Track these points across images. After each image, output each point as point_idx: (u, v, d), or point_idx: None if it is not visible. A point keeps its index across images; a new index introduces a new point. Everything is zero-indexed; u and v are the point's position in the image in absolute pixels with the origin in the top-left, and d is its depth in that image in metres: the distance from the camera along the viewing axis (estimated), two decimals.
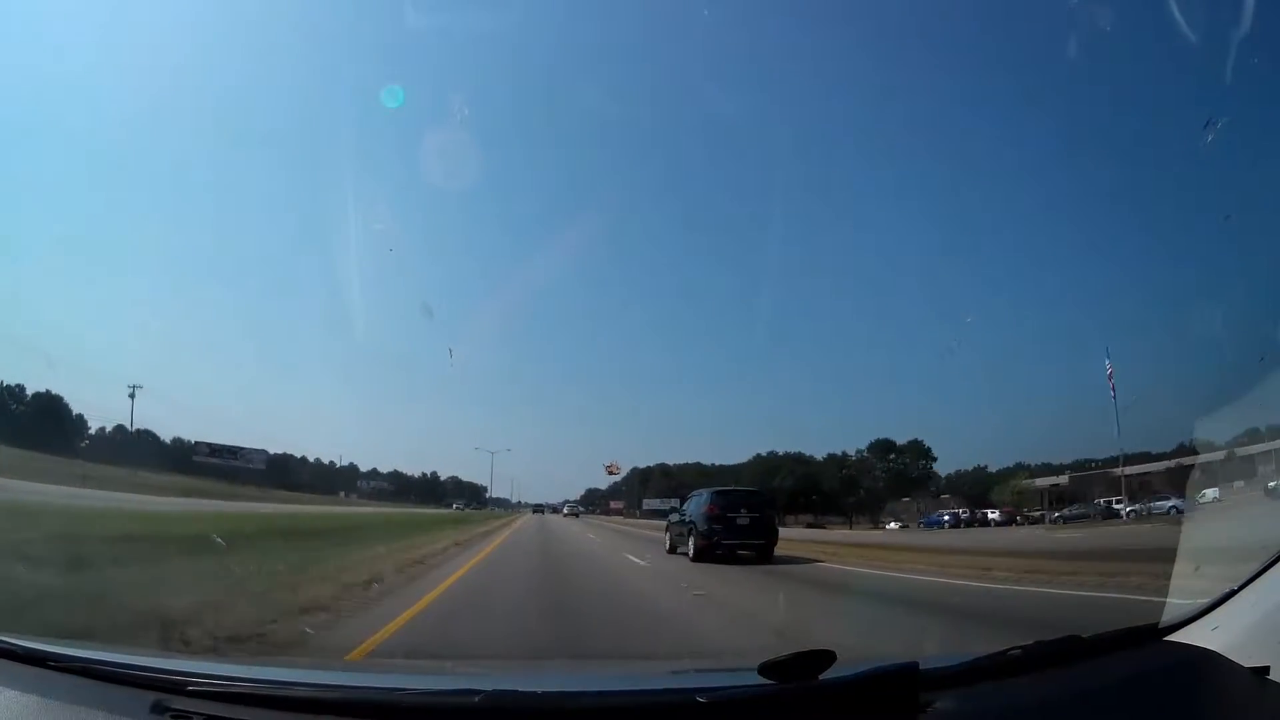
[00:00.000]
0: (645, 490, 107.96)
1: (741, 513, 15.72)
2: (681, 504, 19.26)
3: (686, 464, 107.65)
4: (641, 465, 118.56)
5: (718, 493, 16.76)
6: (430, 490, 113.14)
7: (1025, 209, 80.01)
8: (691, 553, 15.52)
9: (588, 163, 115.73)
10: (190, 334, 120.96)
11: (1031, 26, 57.06)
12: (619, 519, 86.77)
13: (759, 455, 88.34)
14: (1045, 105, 66.99)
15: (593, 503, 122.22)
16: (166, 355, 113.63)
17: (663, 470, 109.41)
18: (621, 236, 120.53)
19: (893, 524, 60.91)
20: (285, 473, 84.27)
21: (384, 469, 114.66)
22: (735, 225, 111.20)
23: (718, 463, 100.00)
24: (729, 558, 14.84)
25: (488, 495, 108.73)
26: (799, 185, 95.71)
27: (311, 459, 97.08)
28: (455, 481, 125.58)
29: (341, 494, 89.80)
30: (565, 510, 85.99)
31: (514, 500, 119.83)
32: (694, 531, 15.75)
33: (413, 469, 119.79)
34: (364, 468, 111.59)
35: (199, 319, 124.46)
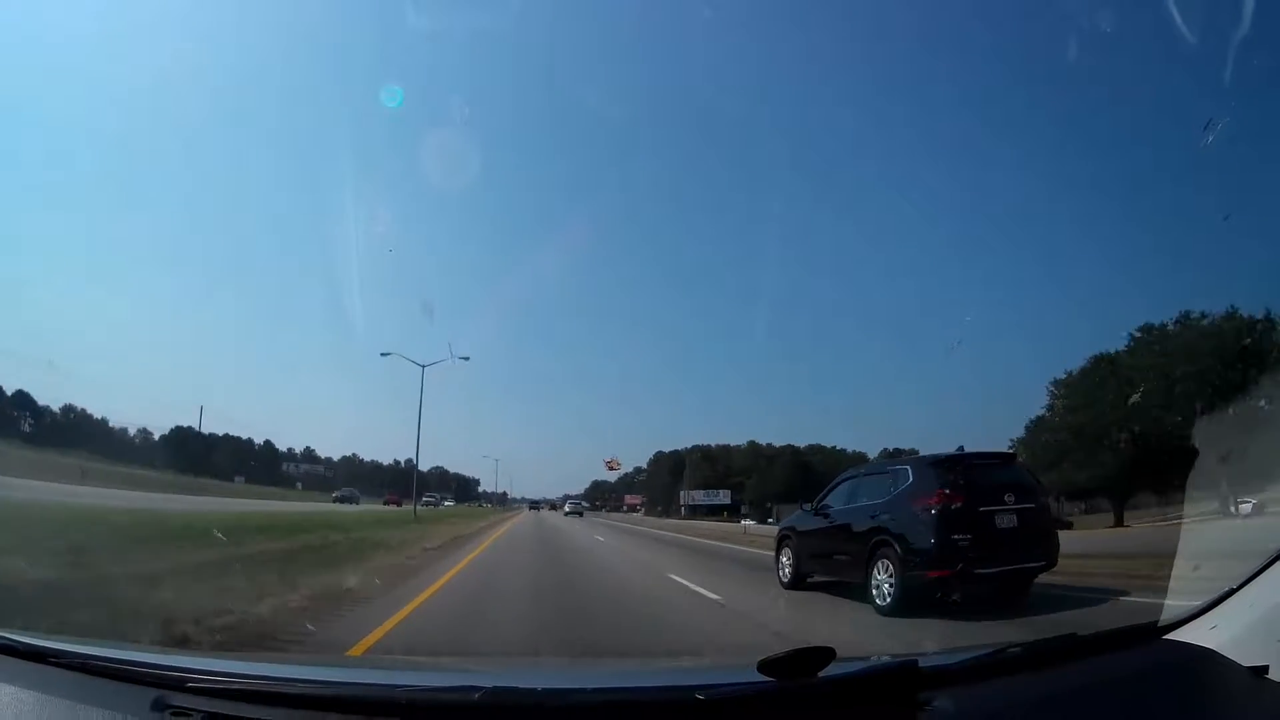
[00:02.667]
0: (679, 481, 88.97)
1: (1005, 503, 7.86)
2: (822, 495, 10.14)
3: (736, 445, 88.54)
4: (652, 456, 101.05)
5: (948, 463, 8.30)
6: (399, 481, 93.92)
7: (1024, 209, 79.77)
8: (893, 594, 7.64)
9: (587, 160, 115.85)
10: (181, 326, 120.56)
11: (1032, 26, 57.06)
12: (637, 518, 69.86)
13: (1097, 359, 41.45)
14: (1045, 105, 67.06)
15: (600, 498, 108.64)
16: (157, 347, 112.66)
17: (704, 454, 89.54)
18: (621, 233, 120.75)
19: (1246, 503, 36.63)
20: (209, 451, 75.10)
21: (378, 460, 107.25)
22: (735, 219, 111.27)
23: (777, 442, 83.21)
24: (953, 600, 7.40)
25: (474, 484, 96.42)
26: (799, 177, 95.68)
27: (259, 442, 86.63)
28: (441, 473, 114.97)
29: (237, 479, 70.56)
30: (567, 508, 69.66)
31: (497, 490, 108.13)
32: (894, 548, 7.83)
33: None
34: (336, 457, 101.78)
35: (192, 313, 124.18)
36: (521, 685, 1.83)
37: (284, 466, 76.38)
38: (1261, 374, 28.70)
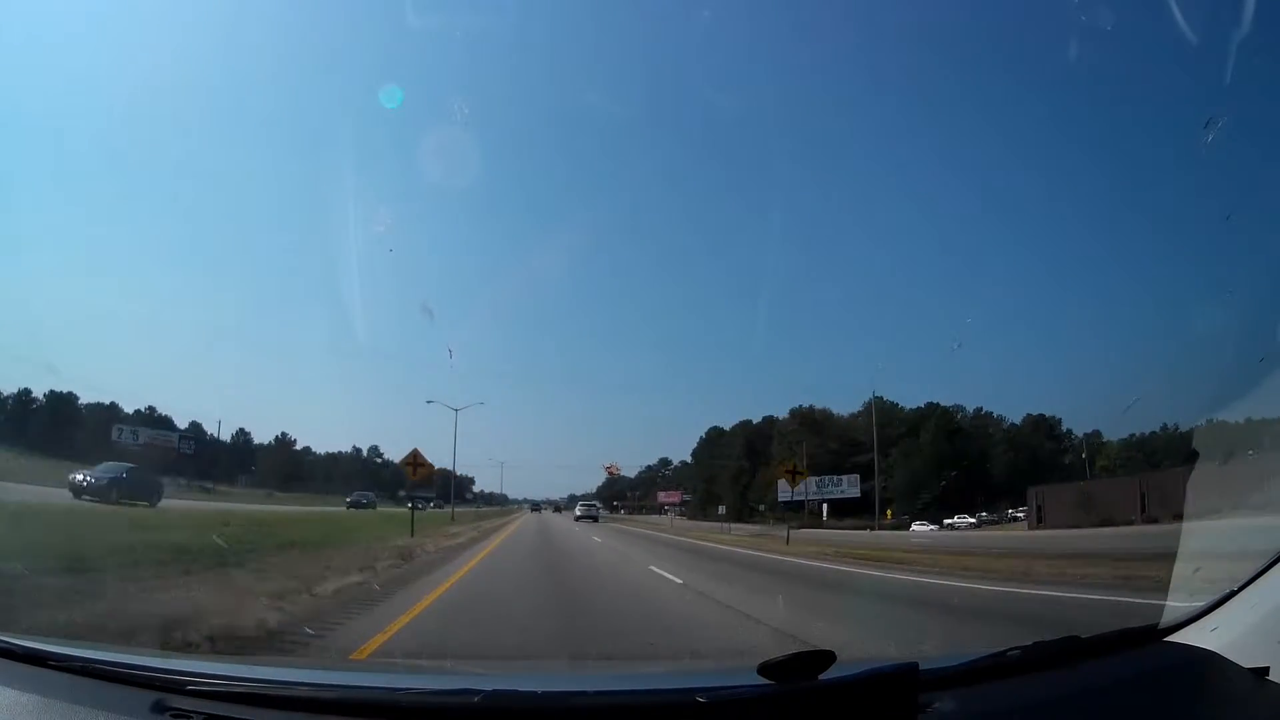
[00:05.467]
0: (757, 465, 57.32)
1: None
2: None
3: (838, 414, 55.62)
4: (703, 434, 72.16)
5: None
6: (358, 476, 74.77)
7: (1023, 208, 79.71)
8: None
9: (587, 159, 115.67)
10: (182, 326, 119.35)
11: (1031, 24, 56.98)
12: (685, 526, 46.19)
13: None
14: (1044, 104, 66.95)
15: (617, 497, 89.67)
16: (155, 345, 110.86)
17: (806, 421, 56.02)
18: (621, 232, 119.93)
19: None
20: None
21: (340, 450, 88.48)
22: (736, 219, 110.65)
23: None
24: None
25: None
26: (799, 179, 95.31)
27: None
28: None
29: None
30: (578, 510, 52.41)
31: (453, 469, 75.91)
32: None
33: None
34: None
35: (190, 313, 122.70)
36: (522, 688, 1.83)
37: (117, 435, 52.00)
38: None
